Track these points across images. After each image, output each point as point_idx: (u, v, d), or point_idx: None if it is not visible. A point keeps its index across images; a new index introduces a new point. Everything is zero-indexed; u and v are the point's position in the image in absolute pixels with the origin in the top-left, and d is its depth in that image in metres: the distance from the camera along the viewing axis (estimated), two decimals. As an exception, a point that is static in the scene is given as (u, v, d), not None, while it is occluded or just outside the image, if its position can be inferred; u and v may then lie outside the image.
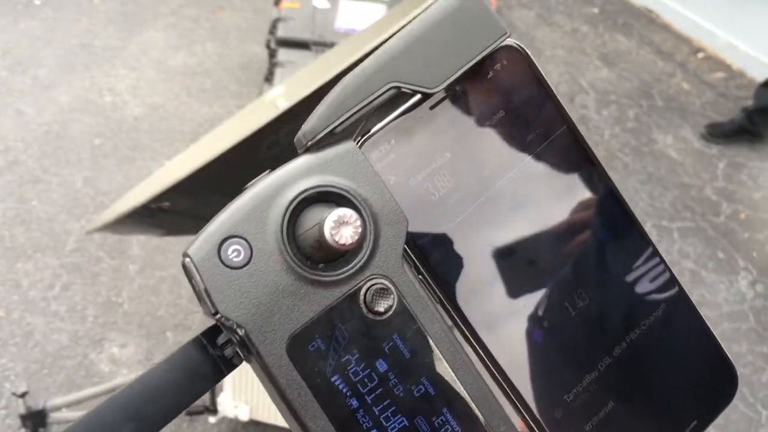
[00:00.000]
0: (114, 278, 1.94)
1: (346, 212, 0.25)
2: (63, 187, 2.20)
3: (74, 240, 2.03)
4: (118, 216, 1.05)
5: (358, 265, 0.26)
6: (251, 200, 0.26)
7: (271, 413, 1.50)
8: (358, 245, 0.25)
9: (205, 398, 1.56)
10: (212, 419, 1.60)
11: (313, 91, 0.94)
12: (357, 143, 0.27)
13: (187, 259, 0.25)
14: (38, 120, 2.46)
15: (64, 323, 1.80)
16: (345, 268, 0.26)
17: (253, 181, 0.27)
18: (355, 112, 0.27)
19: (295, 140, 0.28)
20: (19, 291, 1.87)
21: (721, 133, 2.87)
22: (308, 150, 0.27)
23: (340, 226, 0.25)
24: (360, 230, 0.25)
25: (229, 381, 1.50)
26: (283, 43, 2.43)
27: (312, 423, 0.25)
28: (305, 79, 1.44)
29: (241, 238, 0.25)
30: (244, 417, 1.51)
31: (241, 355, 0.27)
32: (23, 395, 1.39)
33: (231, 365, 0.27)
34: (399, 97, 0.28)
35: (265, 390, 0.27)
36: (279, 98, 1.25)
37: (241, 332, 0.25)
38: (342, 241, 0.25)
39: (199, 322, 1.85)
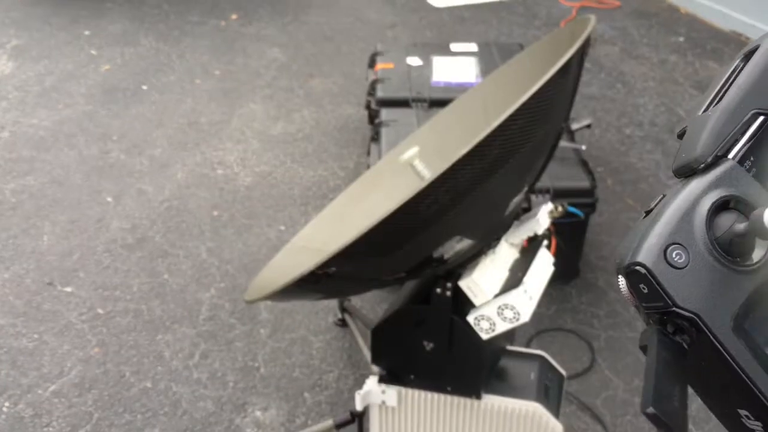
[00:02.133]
0: (248, 343, 2.01)
1: None
2: (190, 259, 2.31)
3: (206, 309, 2.12)
4: (286, 284, 1.10)
5: None
6: (674, 216, 0.32)
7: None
8: None
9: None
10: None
11: (464, 155, 0.97)
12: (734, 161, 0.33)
13: (638, 267, 0.31)
14: (159, 197, 2.61)
15: (207, 390, 1.87)
16: (760, 258, 0.32)
17: (662, 202, 0.34)
18: (732, 139, 0.34)
19: (678, 167, 0.35)
20: (162, 362, 1.95)
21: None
22: (695, 172, 0.33)
23: None
24: None
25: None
26: (384, 103, 2.51)
27: (764, 386, 0.30)
28: (439, 135, 1.49)
29: (678, 244, 0.31)
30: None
31: (689, 339, 0.32)
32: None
33: (682, 348, 0.33)
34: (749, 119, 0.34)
35: (700, 375, 0.33)
36: (415, 159, 1.29)
37: (694, 319, 0.31)
38: None
39: (333, 381, 1.89)
